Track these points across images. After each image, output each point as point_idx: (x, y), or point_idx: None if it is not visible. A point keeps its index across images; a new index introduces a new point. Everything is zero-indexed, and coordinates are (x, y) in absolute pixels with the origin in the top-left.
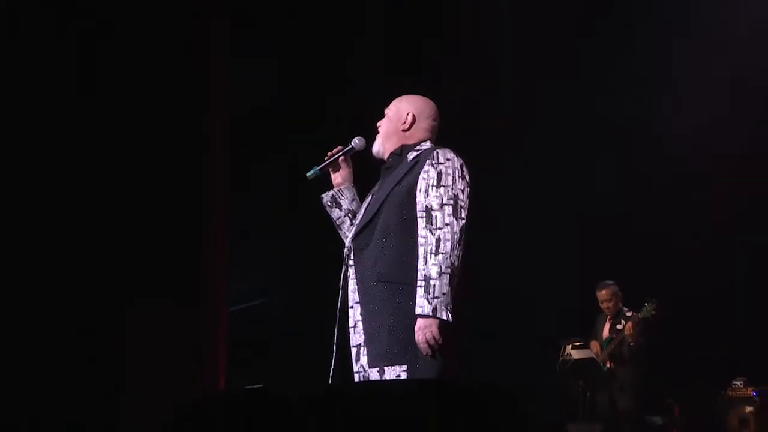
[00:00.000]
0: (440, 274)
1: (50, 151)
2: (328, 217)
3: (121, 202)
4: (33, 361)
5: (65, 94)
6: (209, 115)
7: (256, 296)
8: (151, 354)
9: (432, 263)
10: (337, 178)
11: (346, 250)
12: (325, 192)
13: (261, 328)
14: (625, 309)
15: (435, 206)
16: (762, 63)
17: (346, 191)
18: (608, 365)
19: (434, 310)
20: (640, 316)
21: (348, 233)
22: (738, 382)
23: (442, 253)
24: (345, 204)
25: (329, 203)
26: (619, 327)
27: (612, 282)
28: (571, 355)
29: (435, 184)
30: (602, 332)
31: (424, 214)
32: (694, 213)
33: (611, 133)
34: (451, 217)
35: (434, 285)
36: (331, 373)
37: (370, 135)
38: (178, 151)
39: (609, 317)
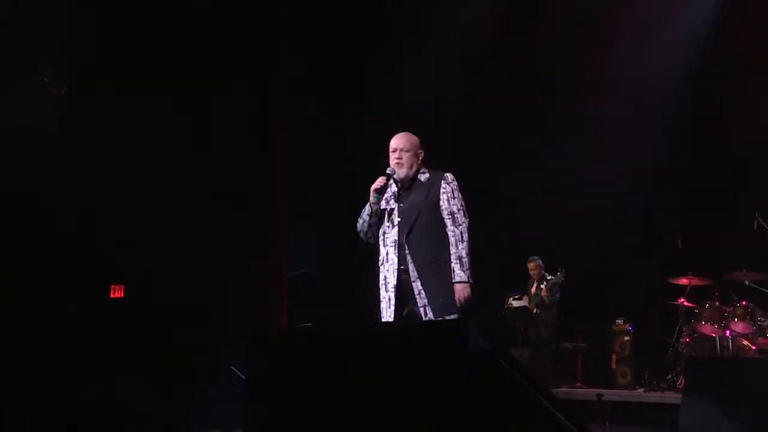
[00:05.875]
0: (467, 254)
1: (187, 164)
2: (371, 214)
3: (225, 209)
4: (175, 308)
5: (194, 116)
6: (275, 142)
7: (306, 266)
8: (244, 301)
9: (461, 248)
10: (383, 196)
11: (401, 245)
12: (375, 207)
13: (310, 288)
14: (547, 275)
15: (456, 210)
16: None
17: (384, 204)
18: (535, 311)
19: (468, 277)
20: (554, 280)
21: (377, 228)
22: (619, 321)
23: (465, 241)
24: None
25: (378, 213)
26: (542, 287)
27: (537, 257)
28: (512, 304)
29: (452, 196)
30: (531, 290)
31: (450, 216)
32: (602, 206)
33: (552, 131)
34: (464, 217)
35: (465, 261)
36: (392, 316)
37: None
38: (258, 169)
39: (535, 280)
